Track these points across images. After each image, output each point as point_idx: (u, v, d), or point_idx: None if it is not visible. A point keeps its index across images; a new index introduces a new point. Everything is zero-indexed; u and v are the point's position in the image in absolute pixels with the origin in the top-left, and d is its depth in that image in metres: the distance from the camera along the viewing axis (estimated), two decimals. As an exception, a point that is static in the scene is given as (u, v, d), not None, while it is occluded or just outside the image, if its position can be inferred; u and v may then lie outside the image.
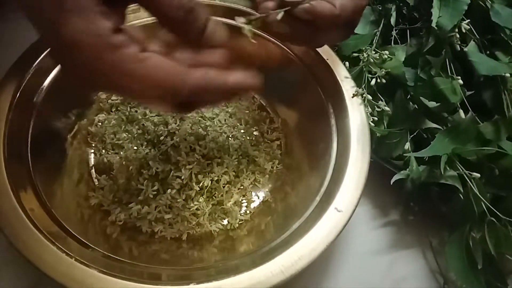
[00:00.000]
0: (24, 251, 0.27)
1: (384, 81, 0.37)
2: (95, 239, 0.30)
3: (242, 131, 0.39)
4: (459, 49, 0.35)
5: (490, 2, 0.35)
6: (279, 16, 0.26)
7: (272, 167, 0.38)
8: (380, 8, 0.40)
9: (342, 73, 0.36)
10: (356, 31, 0.40)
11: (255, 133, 0.40)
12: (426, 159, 0.35)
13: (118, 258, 0.29)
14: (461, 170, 0.33)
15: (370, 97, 0.36)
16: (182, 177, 0.34)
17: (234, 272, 0.27)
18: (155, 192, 0.34)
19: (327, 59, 0.37)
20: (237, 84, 0.23)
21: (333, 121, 0.35)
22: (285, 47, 0.39)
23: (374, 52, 0.37)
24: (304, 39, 0.29)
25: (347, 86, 0.36)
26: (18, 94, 0.33)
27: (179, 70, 0.21)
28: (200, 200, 0.34)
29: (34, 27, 0.22)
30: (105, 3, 0.20)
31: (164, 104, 0.23)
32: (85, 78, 0.22)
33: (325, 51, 0.37)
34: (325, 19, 0.26)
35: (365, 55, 0.37)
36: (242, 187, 0.36)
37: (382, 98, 0.37)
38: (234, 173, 0.36)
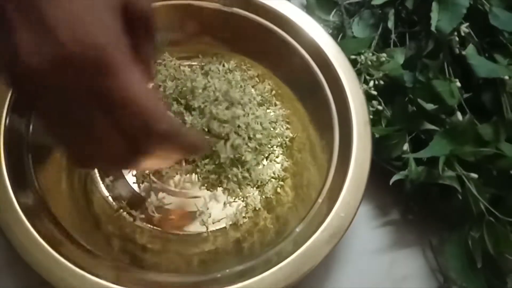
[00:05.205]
0: (24, 255, 0.27)
1: (382, 83, 0.37)
2: (97, 244, 0.30)
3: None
4: (458, 52, 0.36)
5: (488, 5, 0.35)
6: None
7: (274, 170, 0.38)
8: (380, 11, 0.40)
9: (345, 74, 0.36)
10: (355, 34, 0.40)
11: (257, 136, 0.40)
12: (425, 160, 0.35)
13: (118, 264, 0.29)
14: (459, 171, 0.33)
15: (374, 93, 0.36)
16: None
17: (239, 280, 0.26)
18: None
19: (333, 60, 0.37)
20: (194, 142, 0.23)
21: (335, 123, 0.35)
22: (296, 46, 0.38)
23: (371, 54, 0.38)
24: None
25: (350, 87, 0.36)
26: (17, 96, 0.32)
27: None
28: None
29: None
30: None
31: None
32: None
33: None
34: None
35: (363, 57, 0.38)
36: (244, 190, 0.36)
37: (381, 100, 0.37)
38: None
